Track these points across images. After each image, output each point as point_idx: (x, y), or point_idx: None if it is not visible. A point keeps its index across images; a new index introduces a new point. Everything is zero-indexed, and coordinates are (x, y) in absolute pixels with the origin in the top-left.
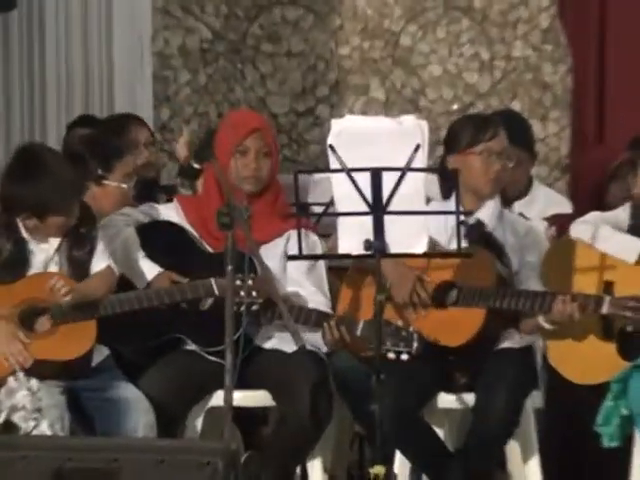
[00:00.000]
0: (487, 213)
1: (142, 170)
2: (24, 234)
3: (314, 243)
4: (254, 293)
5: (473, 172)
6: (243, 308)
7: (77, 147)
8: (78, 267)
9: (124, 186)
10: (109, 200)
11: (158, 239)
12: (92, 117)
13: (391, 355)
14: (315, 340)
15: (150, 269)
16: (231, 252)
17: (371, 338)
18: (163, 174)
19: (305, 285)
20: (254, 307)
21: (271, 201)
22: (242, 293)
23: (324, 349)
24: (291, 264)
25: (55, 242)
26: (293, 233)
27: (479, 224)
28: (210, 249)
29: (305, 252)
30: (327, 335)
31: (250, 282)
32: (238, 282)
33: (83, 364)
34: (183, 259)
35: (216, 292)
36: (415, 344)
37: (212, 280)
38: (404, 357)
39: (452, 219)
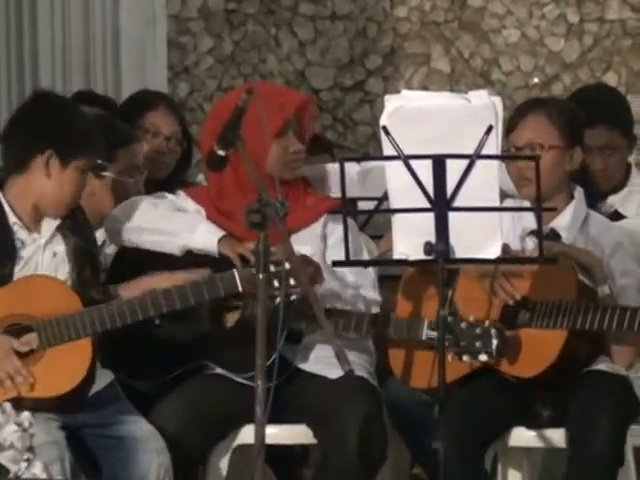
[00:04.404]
0: (564, 221)
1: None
2: (11, 217)
3: (359, 234)
4: (292, 281)
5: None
6: (279, 300)
7: None
8: (82, 259)
9: (131, 180)
10: (110, 197)
11: None
12: (103, 96)
13: (466, 358)
14: (366, 347)
15: (212, 232)
16: (264, 257)
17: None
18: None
19: (346, 272)
20: (293, 297)
21: (302, 183)
22: (276, 283)
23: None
24: (331, 249)
25: (48, 230)
26: (330, 217)
27: (553, 235)
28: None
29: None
30: None
31: (287, 265)
32: (272, 268)
33: (79, 396)
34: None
35: (239, 287)
36: (495, 341)
37: (234, 271)
38: (483, 358)
39: (526, 221)
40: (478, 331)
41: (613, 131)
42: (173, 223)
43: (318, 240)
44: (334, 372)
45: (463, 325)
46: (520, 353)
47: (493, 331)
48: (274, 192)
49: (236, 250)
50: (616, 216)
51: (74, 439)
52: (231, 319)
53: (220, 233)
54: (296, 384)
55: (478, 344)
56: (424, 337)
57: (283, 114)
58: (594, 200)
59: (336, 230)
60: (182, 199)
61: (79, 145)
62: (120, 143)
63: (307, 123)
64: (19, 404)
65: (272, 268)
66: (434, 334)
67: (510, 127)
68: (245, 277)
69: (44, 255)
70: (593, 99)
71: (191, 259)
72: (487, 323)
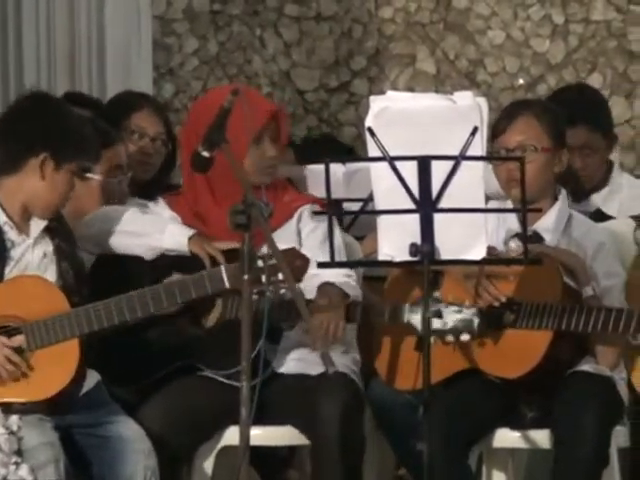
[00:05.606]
0: (548, 223)
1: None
2: (1, 216)
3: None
4: (280, 276)
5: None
6: (268, 294)
7: None
8: (69, 260)
9: (114, 181)
10: (94, 199)
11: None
12: (91, 98)
13: (450, 338)
14: (350, 348)
15: (180, 233)
16: (248, 258)
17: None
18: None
19: (320, 258)
20: (282, 291)
21: (277, 186)
22: (263, 278)
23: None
24: (305, 241)
25: (36, 230)
26: (303, 209)
27: (536, 237)
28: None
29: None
30: None
31: (274, 261)
32: (259, 262)
33: (68, 397)
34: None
35: (226, 284)
36: (476, 321)
37: (222, 268)
38: (465, 338)
39: (510, 222)
40: (459, 311)
41: (594, 132)
42: (142, 225)
43: (294, 238)
44: (315, 369)
45: (443, 306)
46: (505, 354)
47: (473, 310)
48: (258, 193)
49: (206, 250)
50: (599, 215)
51: (65, 440)
52: (211, 319)
53: (190, 232)
54: (277, 385)
55: (460, 324)
56: (405, 320)
57: (258, 122)
58: (577, 199)
59: (307, 225)
60: (160, 207)
61: (74, 149)
62: (103, 144)
63: (283, 128)
64: (8, 408)
65: (260, 263)
66: (416, 316)
67: (499, 130)
68: (232, 274)
69: (34, 255)
70: (573, 99)
71: (168, 260)
72: (467, 303)
